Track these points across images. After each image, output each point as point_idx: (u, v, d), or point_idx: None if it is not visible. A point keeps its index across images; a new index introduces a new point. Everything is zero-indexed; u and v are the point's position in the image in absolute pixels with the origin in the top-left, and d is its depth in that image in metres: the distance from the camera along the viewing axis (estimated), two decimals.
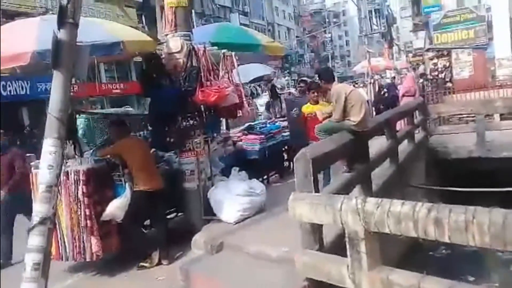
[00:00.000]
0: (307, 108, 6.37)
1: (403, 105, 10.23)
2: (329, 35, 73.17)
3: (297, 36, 62.01)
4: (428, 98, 13.05)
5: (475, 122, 9.61)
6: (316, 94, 6.34)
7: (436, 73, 17.17)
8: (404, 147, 7.87)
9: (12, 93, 19.04)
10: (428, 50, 19.88)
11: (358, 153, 5.29)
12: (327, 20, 73.14)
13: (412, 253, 5.94)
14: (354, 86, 13.90)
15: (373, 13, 32.69)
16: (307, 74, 48.28)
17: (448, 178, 8.01)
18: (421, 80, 16.15)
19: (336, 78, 5.98)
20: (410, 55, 33.31)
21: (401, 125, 8.87)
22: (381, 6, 35.18)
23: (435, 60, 17.70)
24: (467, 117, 10.93)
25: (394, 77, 20.25)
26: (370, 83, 16.79)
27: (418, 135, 9.19)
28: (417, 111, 9.72)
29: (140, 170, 4.99)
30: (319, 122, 5.77)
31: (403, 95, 11.05)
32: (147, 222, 5.52)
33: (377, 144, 6.58)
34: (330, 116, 5.44)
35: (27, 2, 20.13)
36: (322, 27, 66.79)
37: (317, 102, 6.31)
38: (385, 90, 14.06)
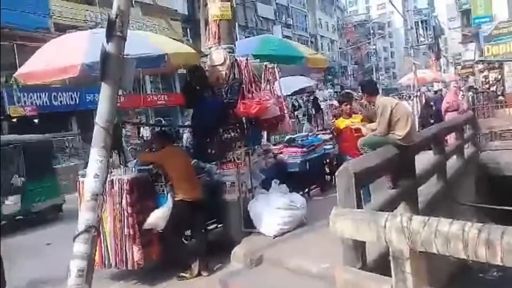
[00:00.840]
0: (341, 122, 6.25)
1: (452, 119, 9.85)
2: (374, 46, 72.09)
3: (340, 48, 61.55)
4: (478, 112, 12.53)
5: None
6: (349, 107, 6.22)
7: (487, 86, 16.51)
8: (452, 163, 7.57)
9: (62, 104, 19.98)
10: (478, 62, 19.18)
11: (404, 168, 5.11)
12: (371, 31, 72.08)
13: (461, 275, 5.65)
14: (399, 98, 13.60)
15: (420, 24, 32.00)
16: (350, 86, 47.71)
17: (500, 196, 7.61)
18: (470, 93, 15.55)
19: (380, 91, 5.85)
20: (459, 67, 32.25)
21: (449, 140, 8.55)
22: (428, 17, 34.37)
23: (485, 73, 17.08)
24: None
25: (441, 90, 19.59)
26: (416, 95, 16.32)
27: (468, 150, 8.82)
28: (466, 126, 9.34)
29: (181, 180, 5.05)
30: (352, 136, 5.67)
31: (446, 110, 10.65)
32: (188, 232, 5.56)
33: (424, 160, 6.35)
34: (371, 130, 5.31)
35: (78, 16, 21.11)
36: (366, 39, 65.95)
37: (350, 116, 6.19)
38: (431, 103, 13.63)
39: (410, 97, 18.66)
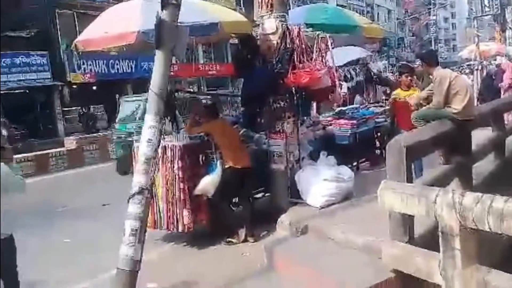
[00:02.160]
0: (398, 94, 6.05)
1: None
2: (434, 17, 68.33)
3: (397, 18, 58.89)
4: None
5: None
6: (409, 78, 6.00)
7: None
8: None
9: (119, 71, 20.64)
10: None
11: (459, 144, 4.91)
12: (432, 1, 68.25)
13: None
14: (459, 72, 12.92)
15: None
16: (407, 58, 45.82)
17: None
18: None
19: (439, 63, 5.59)
20: None
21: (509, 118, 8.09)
22: None
23: None
24: None
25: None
26: (478, 69, 15.45)
27: None
28: None
29: (229, 148, 5.15)
30: (408, 109, 5.48)
31: (507, 89, 9.99)
32: (236, 200, 5.69)
33: (481, 137, 6.06)
34: (427, 103, 5.11)
35: None
36: (426, 8, 62.59)
37: (409, 88, 5.97)
38: (493, 77, 12.84)
39: (471, 71, 17.70)
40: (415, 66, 8.50)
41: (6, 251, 3.40)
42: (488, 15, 31.90)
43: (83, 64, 19.19)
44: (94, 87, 20.17)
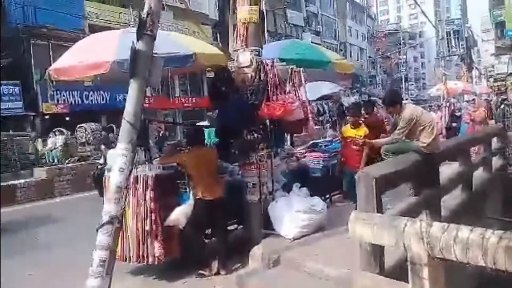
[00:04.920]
0: (346, 131, 6.25)
1: (480, 131, 9.66)
2: (404, 56, 71.08)
3: (369, 57, 60.95)
4: (509, 125, 12.23)
5: None
6: (357, 118, 6.27)
7: None
8: (479, 175, 7.40)
9: (94, 102, 20.54)
10: (511, 74, 18.69)
11: (427, 177, 5.05)
12: (402, 41, 71.14)
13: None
14: (429, 109, 13.38)
15: (452, 34, 31.38)
16: (378, 95, 47.15)
17: None
18: (502, 106, 15.19)
19: (403, 100, 5.81)
20: (491, 79, 31.45)
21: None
22: (461, 27, 33.64)
23: None
24: None
25: (473, 100, 19.17)
26: (446, 106, 16.03)
27: (496, 163, 8.60)
28: (495, 138, 9.11)
29: (200, 180, 5.11)
30: (357, 147, 5.85)
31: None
32: (209, 231, 5.62)
33: (448, 171, 6.24)
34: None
35: (112, 18, 21.69)
36: (396, 48, 65.11)
37: (357, 126, 6.20)
38: (459, 113, 13.39)
39: (439, 107, 18.33)
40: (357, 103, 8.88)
41: None
42: (455, 55, 33.47)
43: (57, 94, 19.02)
44: (67, 118, 19.93)
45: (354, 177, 5.68)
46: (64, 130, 16.70)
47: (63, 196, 12.92)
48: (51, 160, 15.16)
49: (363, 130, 6.13)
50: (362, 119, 6.50)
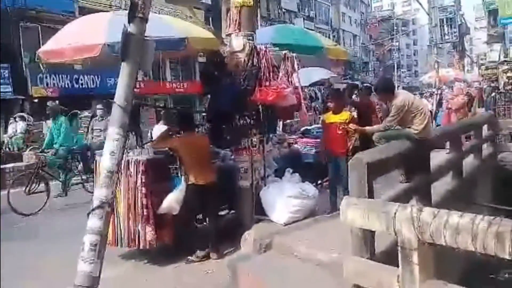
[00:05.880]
0: (328, 117, 6.14)
1: (471, 117, 9.71)
2: (397, 43, 70.97)
3: (362, 43, 60.79)
4: (499, 113, 12.32)
5: None
6: (337, 103, 6.14)
7: (510, 87, 16.18)
8: (469, 162, 7.46)
9: (84, 86, 20.28)
10: (502, 63, 18.77)
11: (418, 163, 5.08)
12: (395, 28, 70.92)
13: (471, 273, 5.61)
14: (420, 96, 13.39)
15: (445, 21, 31.20)
16: (370, 82, 47.23)
17: None
18: (493, 94, 15.28)
19: (395, 88, 5.77)
20: (483, 67, 31.56)
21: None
22: (454, 14, 33.47)
23: (509, 74, 16.70)
24: None
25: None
26: (437, 94, 16.11)
27: (486, 150, 8.68)
28: (486, 126, 9.19)
29: (192, 165, 5.09)
30: (337, 133, 5.75)
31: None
32: (200, 216, 5.63)
33: (439, 157, 6.28)
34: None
35: (104, 0, 21.33)
36: (389, 35, 64.97)
37: (339, 112, 6.03)
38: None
39: (431, 95, 18.42)
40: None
41: None
42: (447, 42, 33.45)
43: (46, 78, 18.74)
44: (57, 102, 19.67)
45: (339, 163, 5.77)
46: (25, 116, 15.56)
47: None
48: (10, 148, 14.12)
49: (346, 115, 5.95)
50: (345, 104, 6.37)
